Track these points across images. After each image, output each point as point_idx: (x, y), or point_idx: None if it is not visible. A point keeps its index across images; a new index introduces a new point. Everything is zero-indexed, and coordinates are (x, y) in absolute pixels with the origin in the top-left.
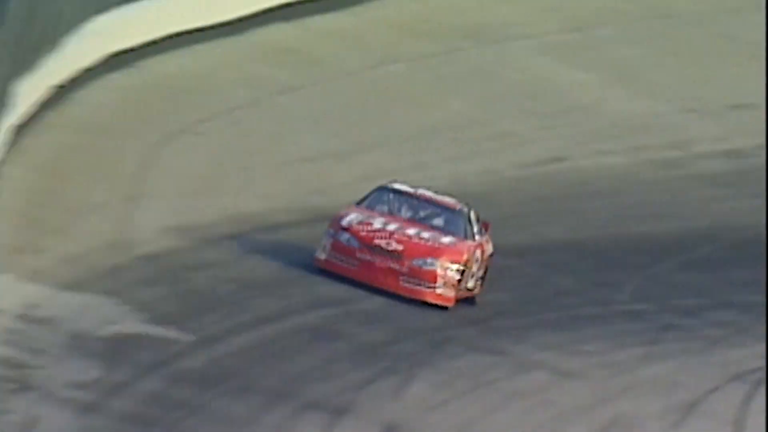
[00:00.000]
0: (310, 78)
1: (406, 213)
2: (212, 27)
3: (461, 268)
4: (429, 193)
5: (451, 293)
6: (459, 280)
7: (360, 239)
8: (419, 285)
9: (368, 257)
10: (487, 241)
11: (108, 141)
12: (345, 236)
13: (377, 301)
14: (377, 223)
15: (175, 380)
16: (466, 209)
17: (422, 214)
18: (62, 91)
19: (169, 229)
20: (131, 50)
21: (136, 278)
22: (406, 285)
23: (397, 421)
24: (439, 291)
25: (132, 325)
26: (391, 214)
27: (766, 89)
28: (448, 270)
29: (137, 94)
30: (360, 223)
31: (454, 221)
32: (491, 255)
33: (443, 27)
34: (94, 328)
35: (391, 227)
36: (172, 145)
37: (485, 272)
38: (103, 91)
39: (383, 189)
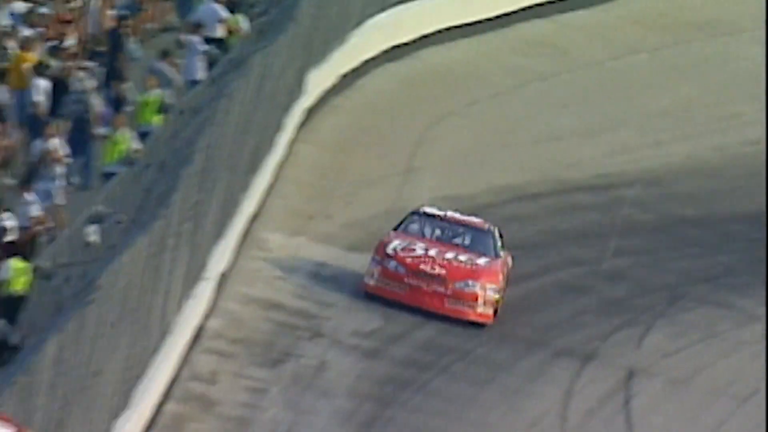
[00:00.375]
0: (561, 67)
1: (439, 235)
2: (477, 23)
3: (498, 287)
4: (457, 215)
5: (489, 311)
6: (496, 300)
7: (406, 266)
8: (463, 305)
9: (415, 282)
10: (508, 255)
11: (386, 122)
12: (392, 263)
13: (621, 262)
14: (419, 249)
15: (444, 331)
16: (492, 228)
17: (454, 235)
18: (347, 79)
19: (438, 199)
20: (406, 44)
21: None
22: (451, 306)
23: (637, 367)
24: (479, 310)
25: None
26: (428, 238)
27: (766, 92)
28: (487, 291)
29: (412, 82)
30: (403, 249)
31: (483, 241)
32: (511, 266)
33: (680, 22)
34: None
35: (432, 252)
36: (441, 126)
37: (507, 282)
38: (382, 79)
39: (416, 214)
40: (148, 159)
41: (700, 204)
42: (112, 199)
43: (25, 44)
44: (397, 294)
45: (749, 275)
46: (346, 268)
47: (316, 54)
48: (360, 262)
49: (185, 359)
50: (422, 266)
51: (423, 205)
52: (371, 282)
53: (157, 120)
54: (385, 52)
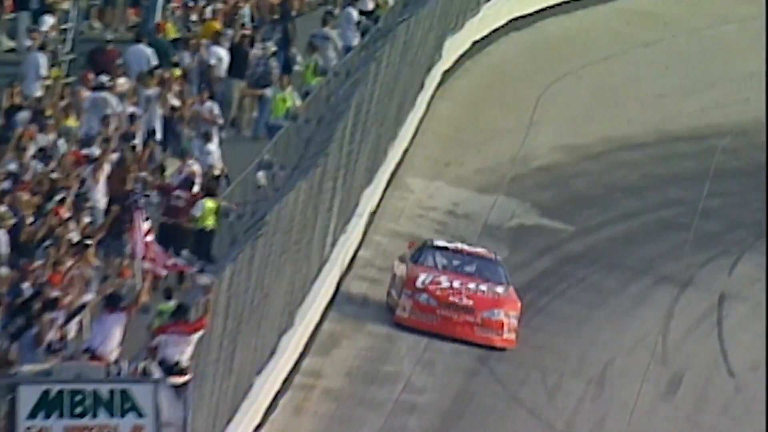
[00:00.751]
0: (662, 35)
1: (454, 266)
2: None
3: (518, 314)
4: (466, 247)
5: (513, 336)
6: (517, 326)
7: (437, 298)
8: (490, 333)
9: (446, 313)
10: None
11: (511, 82)
12: (424, 296)
13: (714, 202)
14: (445, 282)
15: (562, 260)
16: (498, 257)
17: (467, 265)
18: (478, 46)
19: (557, 147)
20: (529, 15)
21: (533, 184)
22: (480, 334)
23: (729, 292)
24: (505, 336)
25: (529, 218)
26: (445, 269)
27: (765, 88)
28: (510, 318)
29: (533, 48)
30: (431, 282)
31: (493, 269)
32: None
33: None
34: (502, 221)
35: (456, 284)
36: (558, 85)
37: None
38: (508, 45)
39: (429, 247)
40: (308, 115)
41: None
42: (278, 149)
43: (206, 16)
44: (429, 324)
45: None
46: (476, 207)
47: (453, 24)
48: (489, 203)
49: (339, 285)
50: (451, 298)
51: (433, 239)
52: (405, 315)
53: (316, 81)
54: (511, 22)
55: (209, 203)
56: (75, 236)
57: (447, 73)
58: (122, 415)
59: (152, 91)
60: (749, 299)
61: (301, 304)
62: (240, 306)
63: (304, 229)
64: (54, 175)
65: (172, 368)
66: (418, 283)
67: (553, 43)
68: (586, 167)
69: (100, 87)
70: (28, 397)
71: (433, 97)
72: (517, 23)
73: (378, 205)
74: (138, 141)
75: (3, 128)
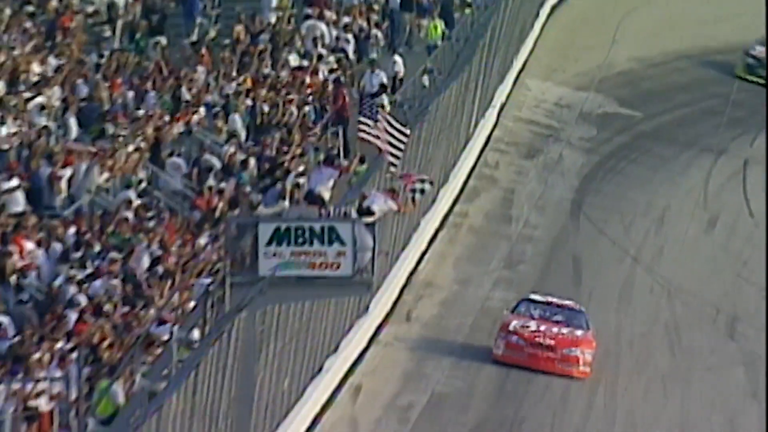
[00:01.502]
0: None
1: (545, 315)
2: None
3: (593, 352)
4: (556, 300)
5: (587, 369)
6: (592, 361)
7: (525, 339)
8: (569, 366)
9: (533, 351)
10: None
11: (599, 13)
12: (514, 338)
13: (742, 95)
14: (533, 326)
15: (634, 137)
16: (582, 309)
17: (555, 315)
18: None
19: (632, 59)
20: None
21: (614, 83)
22: (560, 367)
23: (751, 158)
24: (581, 369)
25: (611, 108)
26: (537, 317)
27: (766, 88)
28: (585, 354)
29: None
30: (522, 327)
31: (577, 318)
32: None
33: None
34: (592, 110)
35: (543, 328)
36: (632, 14)
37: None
38: None
39: (526, 300)
40: (456, 36)
41: None
42: (437, 60)
43: None
44: (519, 360)
45: None
46: (575, 101)
47: None
48: (583, 97)
49: (480, 155)
50: (537, 339)
51: (530, 294)
52: (499, 352)
53: (462, 11)
54: None
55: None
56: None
57: (555, 7)
58: (330, 244)
59: (348, 19)
60: (764, 162)
61: (453, 167)
62: (420, 159)
63: (454, 116)
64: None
65: (365, 211)
66: (511, 327)
67: None
68: (651, 72)
69: (308, 17)
70: (265, 231)
71: (545, 23)
72: None
73: (506, 99)
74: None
75: (248, 46)
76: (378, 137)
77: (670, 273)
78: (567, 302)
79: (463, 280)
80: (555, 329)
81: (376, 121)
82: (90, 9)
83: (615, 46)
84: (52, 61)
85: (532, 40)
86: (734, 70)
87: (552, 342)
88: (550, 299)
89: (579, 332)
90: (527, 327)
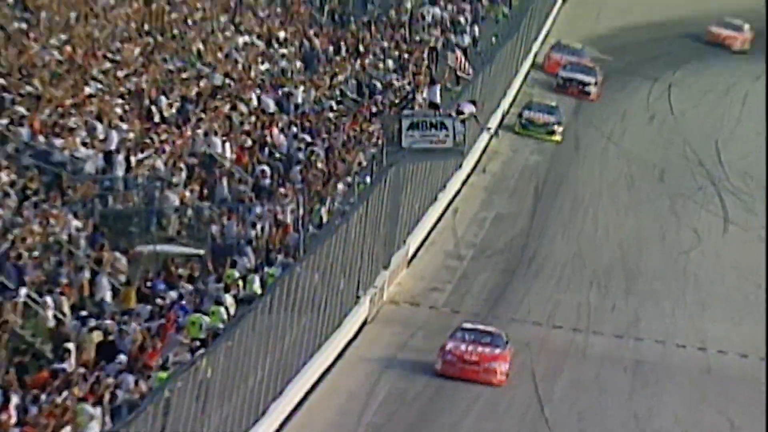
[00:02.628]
0: None
1: (474, 338)
2: None
3: (507, 364)
4: (482, 327)
5: (504, 378)
6: (508, 373)
7: (458, 357)
8: (489, 375)
9: (463, 365)
10: (511, 346)
11: None
12: (449, 356)
13: (674, 46)
14: (463, 347)
15: (608, 71)
16: (502, 332)
17: (482, 338)
18: None
19: (611, 27)
20: None
21: (599, 41)
22: (483, 376)
23: (673, 81)
24: (498, 378)
25: (596, 54)
26: (467, 340)
27: (766, 93)
28: (501, 366)
29: None
30: (455, 348)
31: (498, 340)
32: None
33: None
34: (596, 54)
35: (470, 348)
36: None
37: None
38: None
39: (461, 328)
40: (511, 15)
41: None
42: (500, 28)
43: None
44: (454, 372)
45: None
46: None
47: None
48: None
49: (518, 91)
50: (466, 356)
51: (464, 323)
52: (438, 367)
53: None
54: None
55: None
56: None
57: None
58: (440, 130)
59: (450, 6)
60: (689, 87)
61: (505, 94)
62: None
63: (509, 59)
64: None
65: (459, 112)
66: (447, 348)
67: None
68: (622, 35)
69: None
70: (406, 122)
71: (560, 6)
72: None
73: (539, 50)
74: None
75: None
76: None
77: (629, 145)
78: (490, 329)
79: (515, 149)
80: (480, 348)
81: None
82: None
83: (598, 19)
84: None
85: (552, 16)
86: (514, 128)
87: (477, 358)
88: (478, 327)
89: (497, 350)
90: (459, 348)
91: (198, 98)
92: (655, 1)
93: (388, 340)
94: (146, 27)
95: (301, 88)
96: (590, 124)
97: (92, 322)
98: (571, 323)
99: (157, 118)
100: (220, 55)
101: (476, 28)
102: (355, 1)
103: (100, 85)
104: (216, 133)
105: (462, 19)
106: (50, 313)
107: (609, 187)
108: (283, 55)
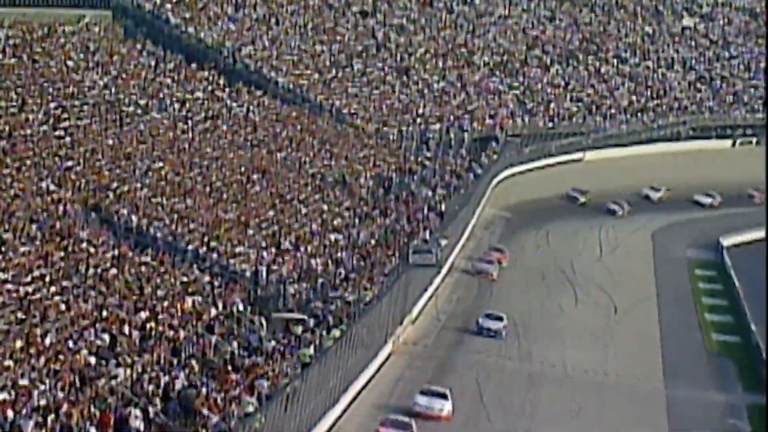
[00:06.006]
0: None
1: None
2: None
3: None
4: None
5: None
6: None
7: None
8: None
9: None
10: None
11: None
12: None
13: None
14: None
15: (507, 225)
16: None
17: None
18: None
19: (508, 204)
20: None
21: (504, 210)
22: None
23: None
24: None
25: (504, 214)
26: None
27: (765, 90)
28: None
29: None
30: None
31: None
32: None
33: None
34: (497, 213)
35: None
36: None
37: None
38: None
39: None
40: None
41: None
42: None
43: None
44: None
45: None
46: (497, 212)
47: None
48: (496, 212)
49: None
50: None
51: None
52: None
53: None
54: None
55: None
56: None
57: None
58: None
59: None
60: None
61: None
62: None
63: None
64: None
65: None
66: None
67: None
68: (519, 205)
69: None
70: (412, 251)
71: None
72: None
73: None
74: None
75: None
76: None
77: (527, 262)
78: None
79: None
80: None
81: None
82: None
83: (510, 195)
84: None
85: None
86: None
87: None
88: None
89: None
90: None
91: None
92: (548, 184)
93: (402, 363)
94: None
95: None
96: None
97: None
98: (496, 352)
99: None
100: None
101: None
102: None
103: None
104: None
105: None
106: None
107: (519, 283)
108: None
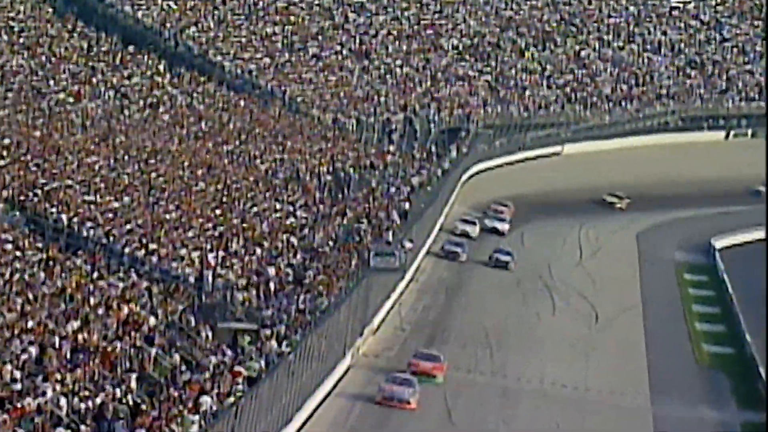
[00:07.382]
0: None
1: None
2: None
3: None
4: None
5: (415, 405)
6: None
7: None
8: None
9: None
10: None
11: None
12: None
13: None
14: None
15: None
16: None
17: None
18: None
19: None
20: None
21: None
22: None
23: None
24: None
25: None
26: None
27: (765, 89)
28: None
29: None
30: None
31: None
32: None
33: None
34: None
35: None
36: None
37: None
38: None
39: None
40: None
41: None
42: None
43: None
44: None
45: None
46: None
47: None
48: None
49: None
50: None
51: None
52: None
53: None
54: None
55: None
56: None
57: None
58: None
59: None
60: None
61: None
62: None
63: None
64: None
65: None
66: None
67: None
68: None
69: None
70: (373, 253)
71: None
72: None
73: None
74: None
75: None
76: None
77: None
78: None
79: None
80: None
81: None
82: None
83: (487, 192)
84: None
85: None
86: None
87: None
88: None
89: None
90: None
91: None
92: (523, 180)
93: (361, 377)
94: None
95: None
96: (479, 256)
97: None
98: (466, 366)
99: None
100: None
101: None
102: None
103: None
104: None
105: None
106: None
107: (491, 288)
108: None
